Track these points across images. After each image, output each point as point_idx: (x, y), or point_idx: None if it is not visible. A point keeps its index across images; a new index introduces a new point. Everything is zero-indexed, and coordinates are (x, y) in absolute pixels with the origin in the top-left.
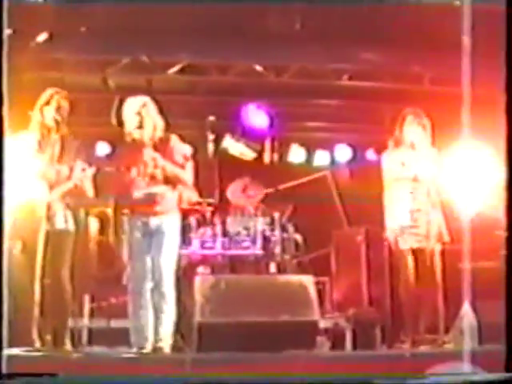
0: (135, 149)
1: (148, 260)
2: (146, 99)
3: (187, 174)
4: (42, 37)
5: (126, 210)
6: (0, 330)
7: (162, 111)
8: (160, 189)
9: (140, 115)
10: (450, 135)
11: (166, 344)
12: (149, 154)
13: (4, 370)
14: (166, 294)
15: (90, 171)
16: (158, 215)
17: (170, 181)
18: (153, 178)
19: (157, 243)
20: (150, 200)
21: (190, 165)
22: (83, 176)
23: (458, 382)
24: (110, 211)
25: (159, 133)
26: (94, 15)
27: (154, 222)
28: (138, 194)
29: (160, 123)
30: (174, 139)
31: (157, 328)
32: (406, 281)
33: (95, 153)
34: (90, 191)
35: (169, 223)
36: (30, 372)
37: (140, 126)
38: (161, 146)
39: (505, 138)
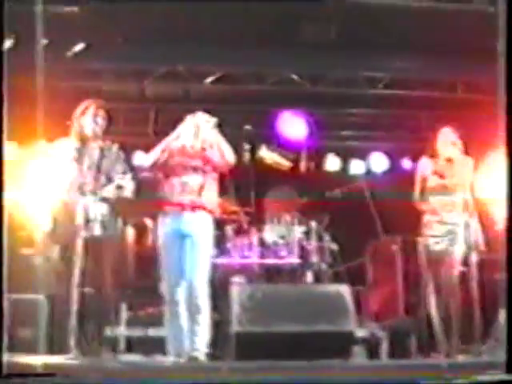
0: (179, 160)
1: (182, 270)
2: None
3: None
4: (79, 47)
5: (161, 219)
6: (0, 330)
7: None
8: (198, 198)
9: (197, 136)
10: (485, 143)
11: (202, 353)
12: (194, 163)
13: (4, 371)
14: (200, 303)
15: (128, 181)
16: (194, 226)
17: (208, 193)
18: (191, 190)
19: (191, 253)
20: (187, 210)
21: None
22: (121, 185)
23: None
24: (146, 220)
25: (208, 149)
26: (131, 25)
27: (188, 233)
28: (176, 204)
29: (213, 140)
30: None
31: (192, 337)
32: (442, 288)
33: (133, 162)
34: (127, 200)
35: (203, 235)
36: (30, 372)
37: (193, 144)
38: (206, 160)
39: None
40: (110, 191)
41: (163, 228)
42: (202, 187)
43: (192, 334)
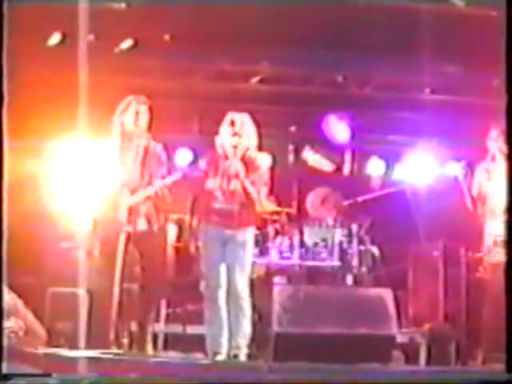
0: (222, 161)
1: (223, 269)
2: (246, 117)
3: (262, 196)
4: (127, 43)
5: (202, 220)
6: (0, 330)
7: (258, 128)
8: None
9: (237, 134)
10: None
11: (241, 352)
12: (236, 166)
13: (4, 370)
14: (242, 303)
15: (171, 179)
16: (234, 228)
17: (249, 197)
18: (233, 192)
19: (232, 253)
20: (228, 213)
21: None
22: (164, 183)
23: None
24: (187, 218)
25: (251, 151)
26: (178, 22)
27: (229, 233)
28: (217, 205)
29: (253, 142)
30: (261, 159)
31: (233, 336)
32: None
33: (176, 160)
34: (169, 198)
35: (244, 235)
36: (30, 372)
37: (234, 146)
38: (249, 163)
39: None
40: (152, 190)
41: (206, 228)
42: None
43: (233, 333)
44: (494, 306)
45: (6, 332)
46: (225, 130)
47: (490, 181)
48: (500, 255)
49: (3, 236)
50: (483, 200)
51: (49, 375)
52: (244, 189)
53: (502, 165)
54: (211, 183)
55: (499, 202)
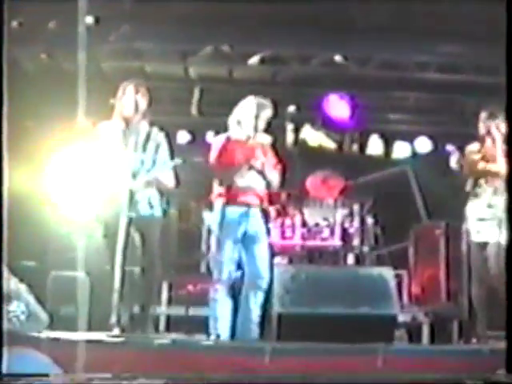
0: (237, 144)
1: (236, 250)
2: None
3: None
4: (123, 27)
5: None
6: (0, 330)
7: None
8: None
9: (256, 119)
10: None
11: (256, 333)
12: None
13: (4, 370)
14: (260, 283)
15: (173, 163)
16: (252, 206)
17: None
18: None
19: (250, 238)
20: (250, 192)
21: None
22: (166, 167)
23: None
24: (191, 202)
25: (264, 137)
26: (176, 4)
27: (247, 218)
28: (240, 184)
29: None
30: (264, 138)
31: (247, 318)
32: (483, 275)
33: (176, 142)
34: (171, 181)
35: (260, 219)
36: (30, 372)
37: (255, 128)
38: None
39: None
40: (154, 173)
41: (221, 212)
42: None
43: (246, 314)
44: (479, 285)
45: (8, 316)
46: (247, 112)
47: (481, 160)
48: (486, 235)
49: (4, 220)
50: (474, 179)
51: (49, 375)
52: (261, 170)
53: (492, 145)
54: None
55: (489, 182)
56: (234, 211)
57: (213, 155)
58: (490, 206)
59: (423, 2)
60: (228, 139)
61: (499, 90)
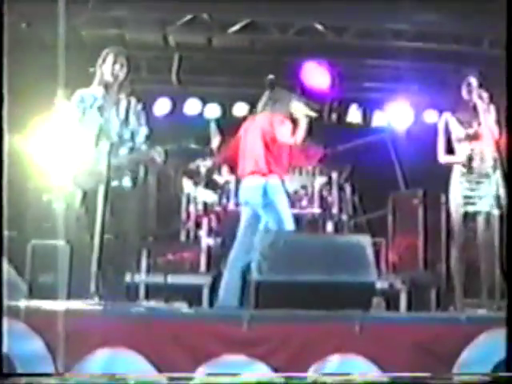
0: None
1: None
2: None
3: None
4: None
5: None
6: (0, 330)
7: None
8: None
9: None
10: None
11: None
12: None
13: (5, 370)
14: None
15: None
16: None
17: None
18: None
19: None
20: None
21: None
22: (145, 139)
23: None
24: (170, 170)
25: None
26: None
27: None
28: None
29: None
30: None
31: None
32: (464, 244)
33: (155, 110)
34: (160, 157)
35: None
36: (31, 372)
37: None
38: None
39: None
40: (135, 145)
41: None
42: None
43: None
44: (459, 253)
45: None
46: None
47: (463, 129)
48: (469, 202)
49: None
50: (456, 148)
51: (49, 375)
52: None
53: (475, 114)
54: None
55: (471, 148)
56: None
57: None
58: (480, 176)
59: None
60: None
61: (479, 59)
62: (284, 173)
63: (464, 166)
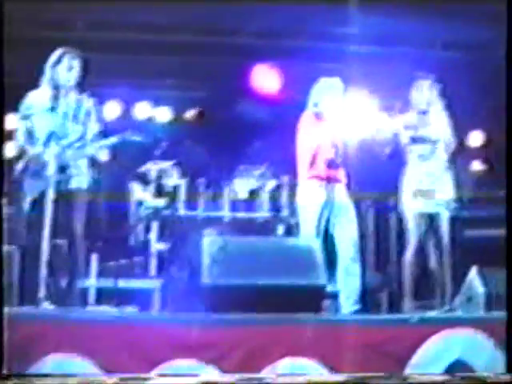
0: None
1: None
2: None
3: None
4: None
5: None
6: (0, 330)
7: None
8: None
9: None
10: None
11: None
12: None
13: (4, 370)
14: None
15: (109, 142)
16: None
17: None
18: None
19: None
20: None
21: None
22: (99, 140)
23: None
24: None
25: None
26: None
27: None
28: None
29: None
30: None
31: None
32: (414, 245)
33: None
34: (104, 156)
35: None
36: (31, 372)
37: None
38: None
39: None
40: (86, 148)
41: None
42: None
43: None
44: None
45: None
46: None
47: (412, 132)
48: (421, 204)
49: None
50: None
51: (49, 375)
52: None
53: (429, 114)
54: None
55: (422, 151)
56: None
57: None
58: (422, 175)
59: None
60: None
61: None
62: None
63: (414, 168)
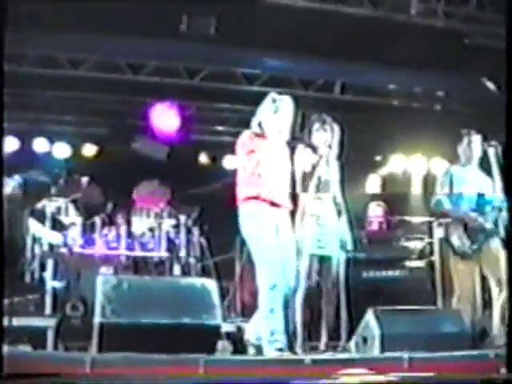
0: None
1: None
2: None
3: None
4: None
5: None
6: (1, 331)
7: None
8: None
9: None
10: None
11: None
12: None
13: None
14: None
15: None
16: None
17: None
18: None
19: None
20: None
21: None
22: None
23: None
24: (16, 209)
25: None
26: None
27: None
28: None
29: None
30: None
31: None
32: (310, 287)
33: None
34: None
35: None
36: (31, 372)
37: None
38: None
39: (505, 136)
40: None
41: None
42: None
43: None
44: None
45: None
46: None
47: (312, 173)
48: (319, 249)
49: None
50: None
51: (49, 375)
52: None
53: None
54: None
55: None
56: None
57: None
58: (316, 219)
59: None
60: None
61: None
62: None
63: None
